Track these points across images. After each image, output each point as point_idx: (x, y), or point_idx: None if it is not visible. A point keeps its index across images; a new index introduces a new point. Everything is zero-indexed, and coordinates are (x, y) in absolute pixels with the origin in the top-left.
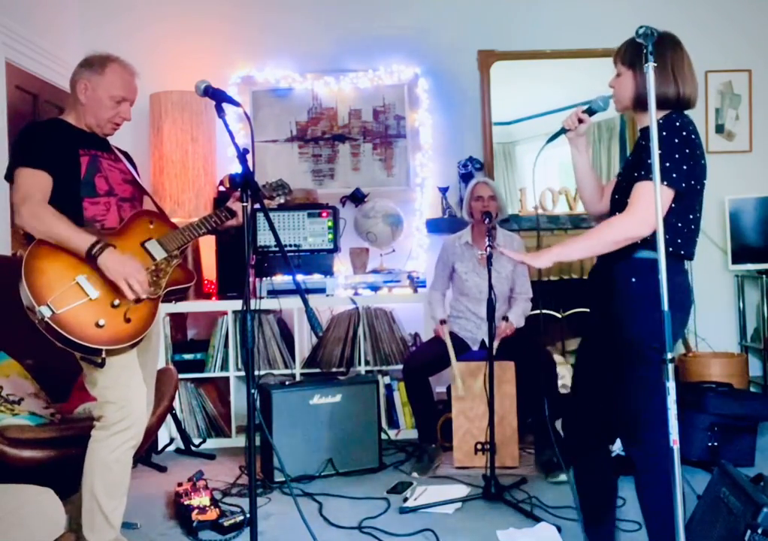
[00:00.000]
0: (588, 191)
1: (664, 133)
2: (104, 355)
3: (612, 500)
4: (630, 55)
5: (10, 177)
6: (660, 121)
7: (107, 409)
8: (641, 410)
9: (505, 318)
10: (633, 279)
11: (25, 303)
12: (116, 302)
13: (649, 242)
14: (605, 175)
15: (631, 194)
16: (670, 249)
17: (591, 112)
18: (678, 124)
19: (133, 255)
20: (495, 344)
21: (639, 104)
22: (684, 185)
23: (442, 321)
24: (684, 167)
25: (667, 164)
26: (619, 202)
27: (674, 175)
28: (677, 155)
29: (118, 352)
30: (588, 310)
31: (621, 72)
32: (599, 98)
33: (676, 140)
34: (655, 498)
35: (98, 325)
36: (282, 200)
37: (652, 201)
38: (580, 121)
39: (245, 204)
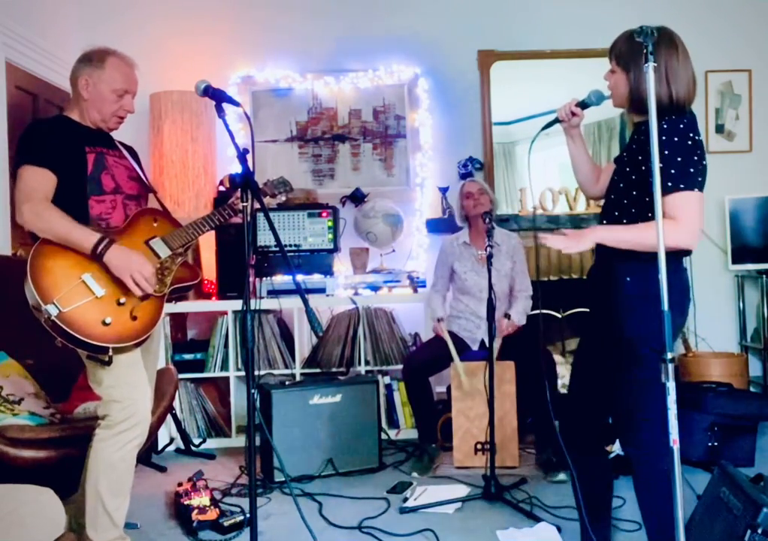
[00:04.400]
0: (583, 176)
1: (675, 138)
2: (110, 353)
3: (609, 499)
4: (624, 54)
5: (14, 174)
6: (664, 125)
7: (113, 408)
8: (637, 411)
9: (507, 316)
10: (628, 279)
11: (31, 302)
12: (122, 300)
13: None
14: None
15: (671, 205)
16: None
17: (584, 106)
18: (682, 126)
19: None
20: (498, 342)
21: (633, 105)
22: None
23: (440, 320)
24: (700, 168)
25: (691, 170)
26: (615, 201)
27: (699, 179)
28: (695, 158)
29: (124, 350)
30: (587, 310)
31: (615, 70)
32: (592, 93)
33: (689, 143)
34: (654, 498)
35: (104, 323)
36: (284, 198)
37: (697, 212)
38: (573, 114)
39: (245, 203)
